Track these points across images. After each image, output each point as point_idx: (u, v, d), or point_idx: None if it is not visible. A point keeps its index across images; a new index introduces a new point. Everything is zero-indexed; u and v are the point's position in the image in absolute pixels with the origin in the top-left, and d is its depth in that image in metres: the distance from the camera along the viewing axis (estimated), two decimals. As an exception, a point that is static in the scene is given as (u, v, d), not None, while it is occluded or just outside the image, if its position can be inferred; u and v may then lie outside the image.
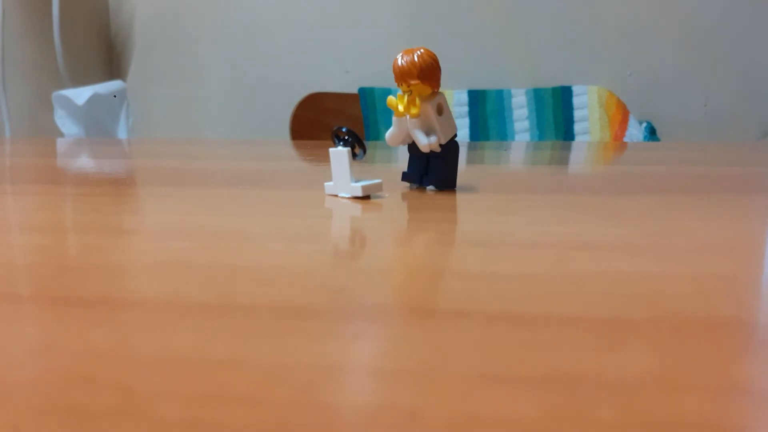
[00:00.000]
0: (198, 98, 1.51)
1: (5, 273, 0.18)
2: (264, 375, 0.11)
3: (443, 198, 0.30)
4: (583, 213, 0.26)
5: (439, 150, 0.31)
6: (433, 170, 0.32)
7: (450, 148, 0.31)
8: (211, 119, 1.52)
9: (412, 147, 0.32)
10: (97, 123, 1.21)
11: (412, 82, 0.29)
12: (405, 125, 0.31)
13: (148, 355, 0.12)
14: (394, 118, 0.31)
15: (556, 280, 0.17)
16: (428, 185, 0.32)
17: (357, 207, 0.27)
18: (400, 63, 0.30)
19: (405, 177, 0.33)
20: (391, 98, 0.31)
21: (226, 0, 1.46)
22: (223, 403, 0.10)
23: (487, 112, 1.33)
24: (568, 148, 0.67)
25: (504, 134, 1.32)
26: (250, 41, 1.46)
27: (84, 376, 0.11)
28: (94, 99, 1.18)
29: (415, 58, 0.30)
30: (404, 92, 0.30)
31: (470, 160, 0.52)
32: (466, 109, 1.32)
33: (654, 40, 1.30)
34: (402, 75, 0.29)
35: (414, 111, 0.30)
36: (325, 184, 0.30)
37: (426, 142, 0.30)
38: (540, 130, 1.33)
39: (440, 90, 0.32)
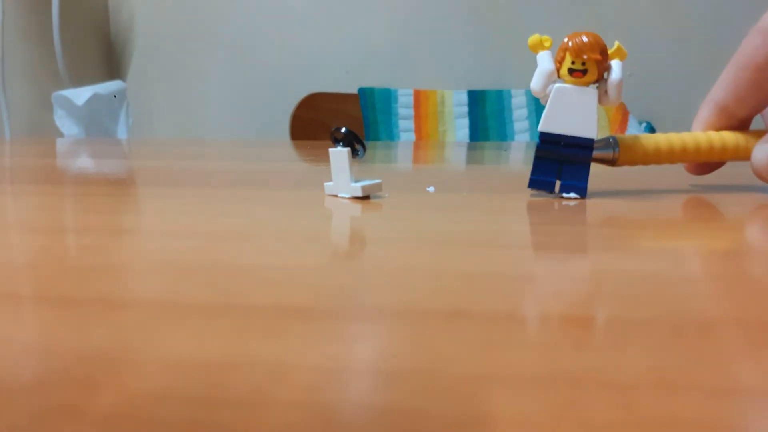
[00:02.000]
0: (198, 98, 1.51)
1: (5, 273, 0.18)
2: (264, 375, 0.11)
3: (443, 198, 0.30)
4: (582, 213, 0.26)
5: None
6: (570, 176, 0.28)
7: (589, 150, 0.28)
8: (211, 119, 1.52)
9: (542, 149, 0.29)
10: (97, 123, 1.21)
11: (593, 56, 0.27)
12: (552, 78, 0.28)
13: (147, 356, 0.12)
14: (541, 70, 0.28)
15: (556, 280, 0.17)
16: (568, 194, 0.29)
17: (357, 207, 0.27)
18: (583, 38, 0.27)
19: (533, 184, 0.29)
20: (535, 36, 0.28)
21: (225, 0, 1.46)
22: (223, 404, 0.10)
23: (487, 112, 1.33)
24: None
25: (504, 134, 1.32)
26: (249, 41, 1.46)
27: (83, 377, 0.11)
28: (94, 99, 1.18)
29: (598, 38, 0.27)
30: (575, 68, 0.27)
31: (470, 160, 0.52)
32: (466, 109, 1.32)
33: (654, 40, 1.30)
34: (583, 48, 0.27)
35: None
36: (325, 184, 0.30)
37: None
38: (540, 131, 1.32)
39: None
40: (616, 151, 0.30)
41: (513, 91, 1.33)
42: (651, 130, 1.21)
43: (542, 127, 0.28)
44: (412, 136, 1.32)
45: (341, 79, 1.38)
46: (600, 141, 0.30)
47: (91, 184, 0.36)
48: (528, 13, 1.34)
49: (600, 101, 0.28)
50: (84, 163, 0.51)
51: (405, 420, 0.10)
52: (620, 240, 0.22)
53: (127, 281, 0.17)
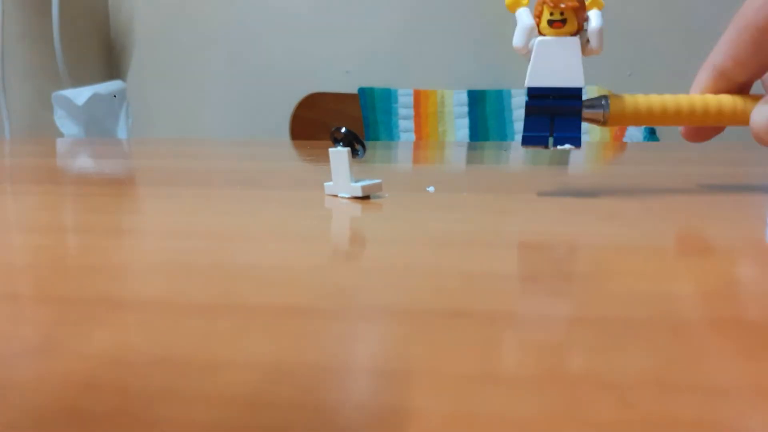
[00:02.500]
0: (198, 98, 1.51)
1: (5, 273, 0.18)
2: (264, 375, 0.11)
3: (443, 198, 0.30)
4: (582, 213, 0.26)
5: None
6: (563, 128, 0.28)
7: (578, 100, 0.28)
8: (211, 119, 1.52)
9: (532, 105, 0.28)
10: (97, 123, 1.21)
11: (571, 3, 0.27)
12: (533, 34, 0.28)
13: (147, 356, 0.12)
14: (521, 26, 0.27)
15: (556, 280, 0.17)
16: (563, 145, 0.28)
17: (357, 207, 0.27)
18: None
19: (527, 141, 0.29)
20: None
21: (226, 1, 1.46)
22: (223, 404, 0.10)
23: (487, 112, 1.33)
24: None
25: (504, 134, 1.32)
26: (250, 41, 1.46)
27: (83, 377, 0.11)
28: (94, 99, 1.18)
29: None
30: (554, 19, 0.27)
31: (470, 160, 0.52)
32: (466, 109, 1.32)
33: (654, 40, 1.30)
34: None
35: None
36: (325, 184, 0.30)
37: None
38: (540, 130, 1.32)
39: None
40: (606, 112, 0.29)
41: (513, 91, 1.33)
42: (651, 130, 1.21)
43: (529, 82, 0.28)
44: (412, 136, 1.32)
45: (341, 79, 1.38)
46: (591, 100, 0.29)
47: (91, 184, 0.36)
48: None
49: (583, 51, 0.28)
50: (84, 163, 0.51)
51: (405, 420, 0.10)
52: (620, 239, 0.22)
53: (127, 281, 0.17)
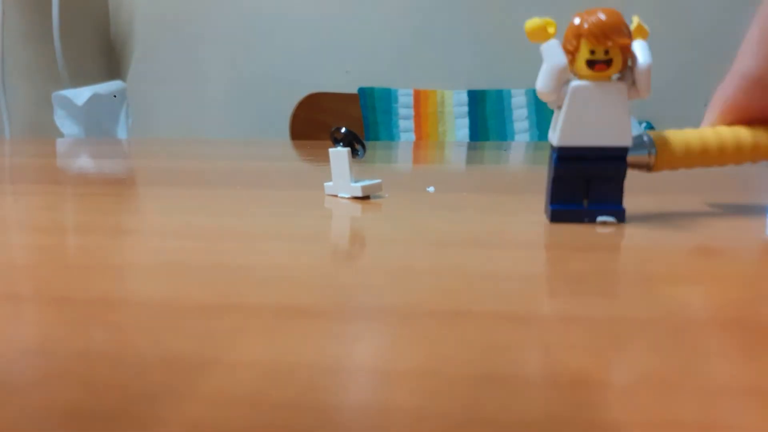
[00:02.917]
0: (198, 98, 1.51)
1: (5, 273, 0.18)
2: (264, 375, 0.11)
3: (443, 198, 0.30)
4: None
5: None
6: (601, 196, 0.23)
7: (622, 161, 0.23)
8: (211, 119, 1.51)
9: (563, 169, 0.22)
10: (97, 123, 1.21)
11: (621, 41, 0.21)
12: (565, 75, 0.22)
13: (147, 356, 0.12)
14: (550, 65, 0.22)
15: (556, 280, 0.17)
16: (604, 218, 0.23)
17: (357, 207, 0.27)
18: (600, 16, 0.21)
19: (558, 216, 0.23)
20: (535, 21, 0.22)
21: (226, 0, 1.46)
22: (223, 404, 0.10)
23: (487, 112, 1.33)
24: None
25: (504, 134, 1.32)
26: (250, 41, 1.46)
27: (83, 377, 0.11)
28: (93, 99, 1.18)
29: (618, 15, 0.21)
30: (597, 59, 0.21)
31: (470, 160, 0.52)
32: (465, 109, 1.32)
33: (654, 41, 1.30)
34: (606, 31, 0.21)
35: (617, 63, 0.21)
36: (325, 184, 0.30)
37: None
38: (540, 130, 1.32)
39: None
40: (652, 153, 0.23)
41: (513, 91, 1.33)
42: (650, 128, 1.21)
43: (561, 140, 0.22)
44: (412, 136, 1.32)
45: (341, 79, 1.38)
46: None
47: (91, 184, 0.36)
48: (528, 13, 1.34)
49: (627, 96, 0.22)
50: (84, 163, 0.51)
51: (405, 420, 0.10)
52: (621, 239, 0.22)
53: (127, 281, 0.17)
